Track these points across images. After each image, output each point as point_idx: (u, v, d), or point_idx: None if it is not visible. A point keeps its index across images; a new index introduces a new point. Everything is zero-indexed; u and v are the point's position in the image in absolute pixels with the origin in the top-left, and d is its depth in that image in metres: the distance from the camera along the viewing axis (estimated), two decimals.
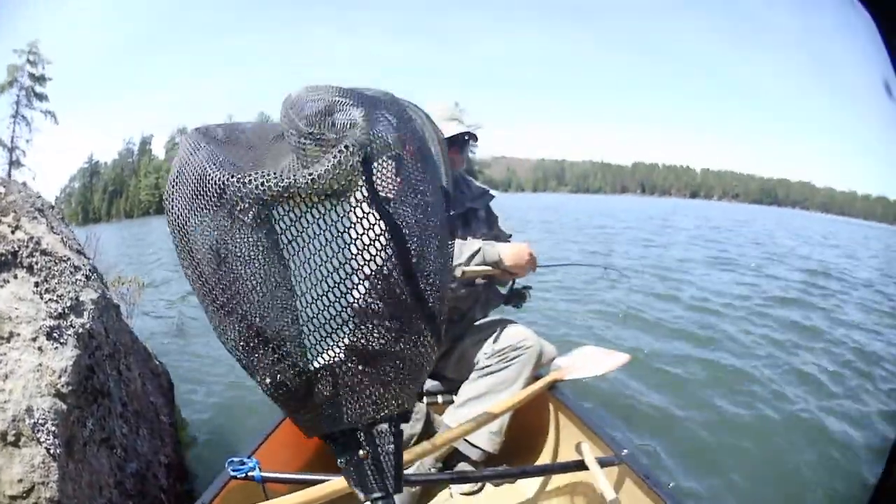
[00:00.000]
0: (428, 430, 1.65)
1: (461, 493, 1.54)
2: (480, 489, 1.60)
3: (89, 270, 1.57)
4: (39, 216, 1.51)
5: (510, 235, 1.80)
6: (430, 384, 1.75)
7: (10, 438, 1.07)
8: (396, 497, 0.51)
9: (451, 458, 1.58)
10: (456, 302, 1.62)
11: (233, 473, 1.19)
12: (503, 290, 1.76)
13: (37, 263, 1.33)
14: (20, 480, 1.04)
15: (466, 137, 1.60)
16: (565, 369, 1.64)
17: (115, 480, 1.24)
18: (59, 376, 1.19)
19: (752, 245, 12.64)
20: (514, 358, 1.53)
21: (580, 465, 1.28)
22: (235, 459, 1.15)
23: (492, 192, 1.80)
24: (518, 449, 1.65)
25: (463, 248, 1.52)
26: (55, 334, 1.26)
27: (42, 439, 1.10)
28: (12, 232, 1.33)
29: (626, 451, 1.33)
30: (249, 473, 1.21)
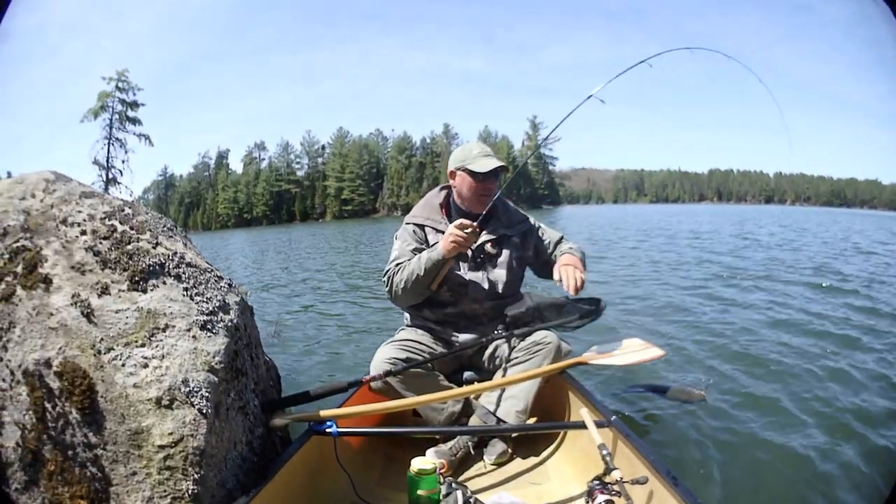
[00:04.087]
0: (466, 410, 2.02)
1: (491, 464, 1.87)
2: (510, 459, 1.91)
3: (229, 280, 2.01)
4: (172, 234, 1.74)
5: (552, 253, 2.15)
6: (468, 374, 2.13)
7: (165, 402, 1.34)
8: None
9: (484, 438, 1.94)
10: (483, 309, 2.06)
11: (315, 429, 1.60)
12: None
13: (184, 273, 1.59)
14: (170, 433, 1.32)
15: (498, 169, 1.99)
16: (589, 356, 2.03)
17: (246, 440, 1.61)
18: (213, 357, 1.57)
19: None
20: (536, 352, 1.91)
21: (580, 426, 1.64)
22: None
23: (532, 220, 2.16)
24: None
25: (418, 264, 1.92)
26: (208, 326, 1.64)
27: (195, 403, 1.39)
28: (154, 247, 1.56)
29: (614, 417, 1.68)
30: (327, 430, 1.61)
